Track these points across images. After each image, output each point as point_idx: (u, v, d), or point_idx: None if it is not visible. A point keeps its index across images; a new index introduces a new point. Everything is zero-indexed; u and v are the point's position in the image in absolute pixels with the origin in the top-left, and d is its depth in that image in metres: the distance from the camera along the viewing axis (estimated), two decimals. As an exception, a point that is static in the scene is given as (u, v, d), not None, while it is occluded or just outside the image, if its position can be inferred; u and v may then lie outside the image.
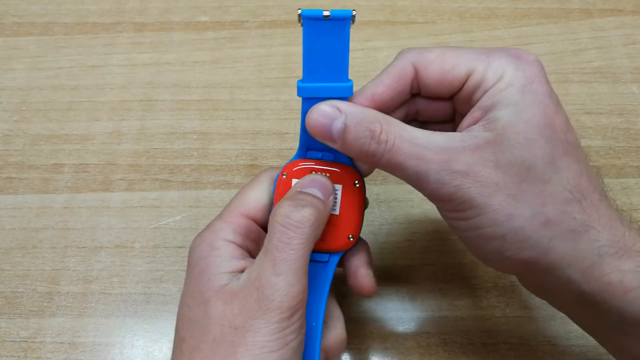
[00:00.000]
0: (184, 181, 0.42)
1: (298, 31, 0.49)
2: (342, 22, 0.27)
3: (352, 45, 0.50)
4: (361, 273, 0.31)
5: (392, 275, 0.39)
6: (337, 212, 0.31)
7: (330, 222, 0.30)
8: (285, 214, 0.27)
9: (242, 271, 0.28)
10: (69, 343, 0.37)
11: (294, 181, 0.30)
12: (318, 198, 0.29)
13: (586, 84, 0.46)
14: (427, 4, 0.51)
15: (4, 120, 0.45)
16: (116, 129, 0.45)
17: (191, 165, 0.43)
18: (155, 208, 0.41)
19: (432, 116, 0.31)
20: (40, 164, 0.43)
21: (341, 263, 0.32)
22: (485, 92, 0.27)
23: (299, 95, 0.29)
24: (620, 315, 0.25)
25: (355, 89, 0.29)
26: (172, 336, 0.29)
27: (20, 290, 0.38)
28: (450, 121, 0.31)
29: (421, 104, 0.31)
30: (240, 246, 0.29)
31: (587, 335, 0.36)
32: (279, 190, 0.31)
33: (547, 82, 0.27)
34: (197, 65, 0.48)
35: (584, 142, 0.44)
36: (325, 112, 0.28)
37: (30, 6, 0.51)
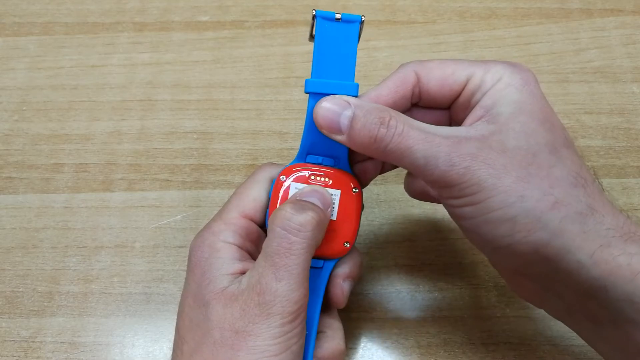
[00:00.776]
0: (184, 181, 0.42)
1: (298, 31, 0.49)
2: (351, 25, 0.29)
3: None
4: (336, 283, 0.31)
5: (392, 275, 0.39)
6: (334, 218, 0.30)
7: (327, 228, 0.30)
8: (286, 217, 0.27)
9: (242, 273, 0.28)
10: (70, 343, 0.37)
11: (292, 184, 0.30)
12: (318, 206, 0.29)
13: (586, 84, 0.46)
14: (427, 4, 0.51)
15: (4, 119, 0.45)
16: (116, 128, 0.45)
17: (191, 165, 0.43)
18: (156, 208, 0.41)
19: (436, 99, 0.31)
20: (40, 163, 0.43)
21: None
22: (485, 93, 0.28)
23: (306, 90, 0.29)
24: (629, 299, 0.25)
25: (358, 89, 0.30)
26: (172, 336, 0.29)
27: (20, 290, 0.38)
28: (445, 109, 0.32)
29: (418, 115, 0.31)
30: (241, 247, 0.29)
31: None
32: (276, 193, 0.31)
33: (540, 88, 0.28)
34: (198, 65, 0.48)
35: (584, 142, 0.44)
36: (333, 103, 0.28)
37: (30, 6, 0.51)
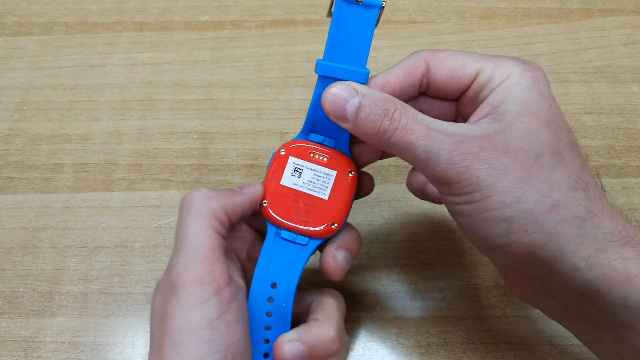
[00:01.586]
0: (184, 181, 0.42)
1: (298, 31, 0.49)
2: (371, 10, 0.28)
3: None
4: (327, 252, 0.31)
5: (392, 275, 0.39)
6: (326, 197, 0.31)
7: (316, 205, 0.31)
8: (181, 199, 0.29)
9: None
10: (70, 343, 0.37)
11: (291, 158, 0.31)
12: (228, 189, 0.30)
13: (586, 84, 0.46)
14: (428, 4, 0.51)
15: (4, 119, 0.45)
16: (116, 128, 0.45)
17: (191, 164, 0.43)
18: (156, 208, 0.41)
19: (444, 90, 0.31)
20: (40, 163, 0.43)
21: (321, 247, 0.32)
22: (493, 89, 0.28)
23: (316, 71, 0.29)
24: (624, 303, 0.25)
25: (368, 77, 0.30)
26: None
27: (20, 289, 0.39)
28: (453, 101, 0.31)
29: (426, 104, 0.31)
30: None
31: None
32: (274, 165, 0.31)
33: (550, 87, 0.28)
34: (198, 64, 0.48)
35: (584, 142, 0.44)
36: (342, 90, 0.28)
37: (30, 6, 0.51)
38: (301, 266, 0.31)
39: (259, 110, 0.45)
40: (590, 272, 0.25)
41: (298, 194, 0.31)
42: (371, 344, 0.36)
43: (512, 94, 0.27)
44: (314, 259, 0.32)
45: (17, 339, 0.37)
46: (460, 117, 0.31)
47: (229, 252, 0.31)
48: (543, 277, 0.28)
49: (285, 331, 0.30)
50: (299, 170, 0.31)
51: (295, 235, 0.31)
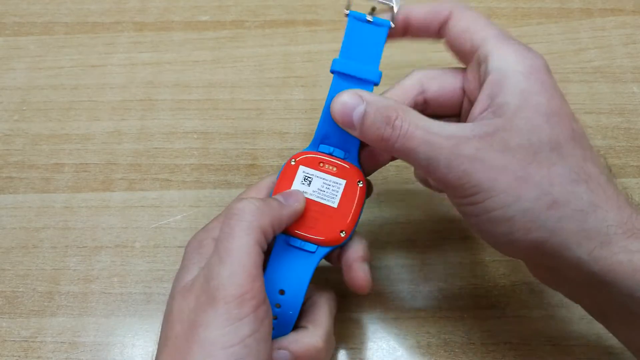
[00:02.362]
0: (184, 181, 0.42)
1: (299, 31, 0.49)
2: (380, 28, 0.31)
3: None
4: (355, 267, 0.31)
5: (392, 275, 0.39)
6: (335, 205, 0.31)
7: (325, 213, 0.31)
8: (228, 207, 0.28)
9: None
10: (70, 343, 0.37)
11: (301, 167, 0.32)
12: (272, 198, 0.30)
13: (586, 84, 0.46)
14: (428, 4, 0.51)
15: (4, 119, 0.45)
16: (116, 128, 0.45)
17: (191, 164, 0.43)
18: (156, 207, 0.41)
19: (440, 105, 0.31)
20: (40, 163, 0.43)
21: (336, 259, 0.32)
22: (490, 72, 0.28)
23: (332, 70, 0.31)
24: (630, 295, 0.25)
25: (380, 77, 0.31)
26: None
27: (20, 289, 0.38)
28: (456, 115, 0.32)
29: (432, 91, 0.31)
30: None
31: (588, 335, 0.36)
32: (284, 175, 0.32)
33: (552, 76, 0.28)
34: (198, 64, 0.48)
35: (584, 142, 0.44)
36: (349, 98, 0.29)
37: (30, 6, 0.51)
38: (309, 274, 0.31)
39: (259, 110, 0.45)
40: (595, 265, 0.25)
41: (308, 202, 0.31)
42: (371, 344, 0.36)
43: (510, 84, 0.27)
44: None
45: (17, 339, 0.37)
46: (466, 96, 0.31)
47: None
48: (553, 267, 0.28)
49: (285, 334, 0.30)
50: (308, 178, 0.32)
51: (303, 243, 0.31)
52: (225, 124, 0.45)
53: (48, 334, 0.37)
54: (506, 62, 0.27)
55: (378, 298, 0.38)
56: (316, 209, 0.31)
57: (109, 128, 0.45)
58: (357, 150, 0.32)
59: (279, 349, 0.29)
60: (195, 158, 0.43)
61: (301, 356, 0.29)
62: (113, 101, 0.46)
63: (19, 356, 0.36)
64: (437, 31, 0.31)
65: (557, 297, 0.37)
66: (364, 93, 0.29)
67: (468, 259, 0.39)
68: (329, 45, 0.48)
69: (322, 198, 0.31)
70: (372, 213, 0.41)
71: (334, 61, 0.31)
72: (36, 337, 0.37)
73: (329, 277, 0.34)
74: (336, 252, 0.32)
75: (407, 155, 0.27)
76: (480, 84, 0.28)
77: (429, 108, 0.31)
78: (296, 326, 0.31)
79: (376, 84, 0.31)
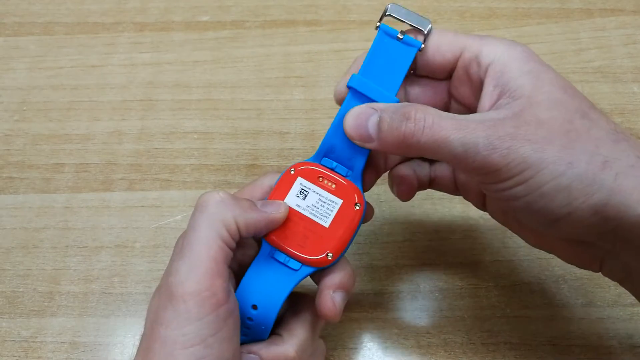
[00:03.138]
0: (184, 181, 0.42)
1: (299, 31, 0.49)
2: (410, 48, 0.29)
3: (352, 45, 0.50)
4: (325, 294, 0.29)
5: (392, 275, 0.39)
6: (326, 225, 0.30)
7: (316, 232, 0.29)
8: (199, 197, 0.28)
9: None
10: (70, 343, 0.37)
11: (299, 179, 0.30)
12: (246, 199, 0.29)
13: (587, 84, 0.46)
14: (428, 4, 0.51)
15: (4, 119, 0.45)
16: (117, 128, 0.45)
17: (192, 165, 0.43)
18: (156, 208, 0.41)
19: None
20: (41, 163, 0.43)
21: (317, 279, 0.31)
22: (488, 67, 0.27)
23: (348, 84, 0.30)
24: None
25: None
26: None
27: (21, 290, 0.39)
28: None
29: (414, 92, 0.31)
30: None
31: (588, 335, 0.36)
32: (281, 184, 0.30)
33: (543, 61, 0.28)
34: (198, 65, 0.48)
35: (584, 142, 0.44)
36: (361, 112, 0.28)
37: (30, 6, 0.51)
38: (287, 292, 0.29)
39: (259, 110, 0.45)
40: None
41: (299, 217, 0.30)
42: (371, 344, 0.36)
43: (515, 69, 0.27)
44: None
45: (18, 339, 0.37)
46: (455, 102, 0.31)
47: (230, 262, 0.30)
48: (607, 237, 0.27)
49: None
50: (304, 192, 0.30)
51: (288, 258, 0.29)
52: (225, 124, 0.45)
53: (48, 334, 0.37)
54: (500, 53, 0.27)
55: (378, 298, 0.38)
56: (307, 226, 0.30)
57: (109, 128, 0.45)
58: (361, 168, 0.31)
59: (249, 352, 0.28)
60: (196, 158, 0.43)
61: None
62: (113, 101, 0.46)
63: (19, 356, 0.36)
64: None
65: (557, 297, 0.37)
66: (375, 104, 0.28)
67: (468, 259, 0.39)
68: (329, 46, 0.48)
69: (314, 215, 0.30)
70: (372, 212, 0.41)
71: (353, 77, 0.29)
72: (36, 337, 0.37)
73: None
74: (317, 272, 0.30)
75: (438, 147, 0.26)
76: (477, 83, 0.28)
77: (416, 71, 0.31)
78: (272, 332, 0.30)
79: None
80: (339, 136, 0.29)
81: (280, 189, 0.30)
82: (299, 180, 0.30)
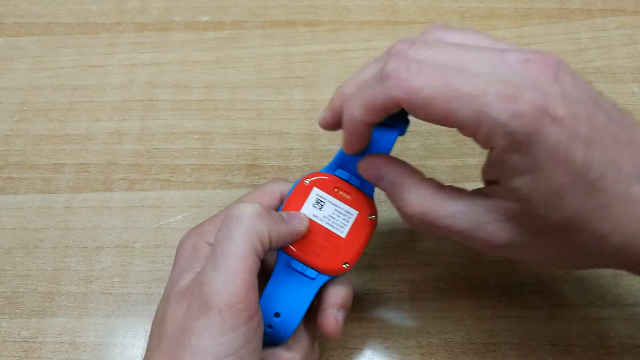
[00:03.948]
0: (184, 181, 0.42)
1: (299, 31, 0.49)
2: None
3: (352, 45, 0.50)
4: (329, 312, 0.30)
5: (392, 275, 0.39)
6: (343, 235, 0.31)
7: (332, 242, 0.30)
8: (228, 210, 0.28)
9: None
10: (70, 343, 0.37)
11: (315, 189, 0.31)
12: (276, 212, 0.29)
13: (587, 84, 0.46)
14: (428, 4, 0.51)
15: (4, 120, 0.45)
16: (117, 128, 0.45)
17: (192, 165, 0.43)
18: (156, 208, 0.41)
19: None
20: (41, 163, 0.43)
21: (320, 292, 0.31)
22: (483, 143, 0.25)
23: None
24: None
25: None
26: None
27: (21, 290, 0.39)
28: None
29: None
30: None
31: (588, 335, 0.36)
32: (296, 194, 0.31)
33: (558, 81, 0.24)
34: (198, 65, 0.48)
35: (584, 142, 0.44)
36: (370, 172, 0.30)
37: (30, 6, 0.51)
38: (308, 300, 0.30)
39: (259, 110, 0.45)
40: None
41: (316, 227, 0.30)
42: (371, 344, 0.36)
43: (510, 167, 0.24)
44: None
45: (18, 339, 0.37)
46: None
47: None
48: None
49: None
50: (321, 202, 0.31)
51: (305, 267, 0.30)
52: (225, 124, 0.45)
53: (48, 334, 0.37)
54: (492, 141, 0.25)
55: (379, 298, 0.38)
56: (323, 236, 0.30)
57: (109, 128, 0.45)
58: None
59: (261, 357, 0.28)
60: (196, 158, 0.43)
61: None
62: (113, 101, 0.46)
63: (19, 356, 0.36)
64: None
65: (558, 297, 0.37)
66: (379, 161, 0.29)
67: (468, 259, 0.39)
68: (329, 46, 0.48)
69: (331, 225, 0.31)
70: (372, 213, 0.41)
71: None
72: (36, 337, 0.37)
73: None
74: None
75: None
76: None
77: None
78: None
79: (401, 134, 0.30)
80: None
81: (296, 199, 0.31)
82: (315, 190, 0.31)
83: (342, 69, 0.47)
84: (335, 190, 0.31)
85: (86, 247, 0.40)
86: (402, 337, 0.37)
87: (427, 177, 0.29)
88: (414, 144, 0.43)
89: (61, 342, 0.37)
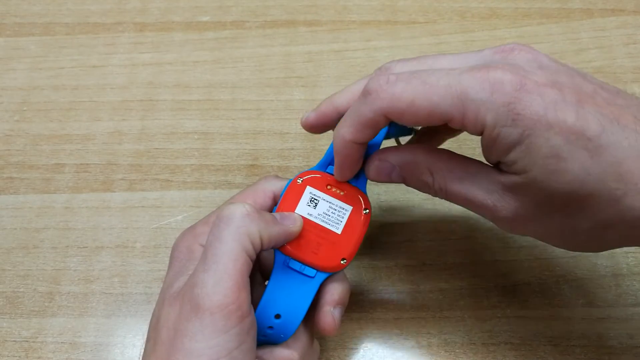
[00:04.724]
0: (184, 181, 0.42)
1: (299, 31, 0.49)
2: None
3: (352, 45, 0.50)
4: (326, 310, 0.30)
5: (392, 275, 0.39)
6: (339, 231, 0.31)
7: (328, 239, 0.30)
8: (219, 211, 0.27)
9: None
10: (70, 343, 0.37)
11: (308, 188, 0.31)
12: (268, 212, 0.29)
13: (587, 84, 0.46)
14: (428, 4, 0.51)
15: (5, 120, 0.45)
16: (117, 128, 0.45)
17: (192, 165, 0.43)
18: (156, 208, 0.41)
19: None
20: (41, 163, 0.43)
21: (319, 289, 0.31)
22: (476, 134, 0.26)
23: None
24: None
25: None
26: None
27: (21, 290, 0.39)
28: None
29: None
30: None
31: (588, 334, 0.36)
32: (289, 194, 0.31)
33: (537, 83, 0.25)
34: (198, 65, 0.48)
35: (584, 142, 0.44)
36: (380, 167, 0.29)
37: (31, 6, 0.51)
38: (309, 300, 0.30)
39: (259, 110, 0.45)
40: None
41: (311, 225, 0.30)
42: (372, 344, 0.36)
43: (505, 146, 0.25)
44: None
45: (18, 339, 0.37)
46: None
47: None
48: None
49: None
50: (315, 200, 0.31)
51: (303, 266, 0.30)
52: (225, 124, 0.45)
53: (49, 334, 0.37)
54: (483, 125, 0.25)
55: (379, 298, 0.38)
56: (319, 233, 0.30)
57: (109, 128, 0.45)
58: (366, 177, 0.31)
59: (255, 357, 0.28)
60: (196, 158, 0.43)
61: None
62: (114, 101, 0.46)
63: (19, 356, 0.36)
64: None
65: (558, 298, 0.37)
66: (390, 156, 0.29)
67: (468, 259, 0.39)
68: (330, 46, 0.48)
69: (326, 222, 0.31)
70: (372, 213, 0.41)
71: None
72: (37, 337, 0.37)
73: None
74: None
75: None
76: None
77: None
78: None
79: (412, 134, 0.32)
80: None
81: (289, 198, 0.31)
82: (309, 189, 0.31)
83: (342, 69, 0.47)
84: (328, 187, 0.31)
85: (86, 247, 0.40)
86: (403, 337, 0.37)
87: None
88: (414, 144, 0.43)
89: (61, 342, 0.37)
